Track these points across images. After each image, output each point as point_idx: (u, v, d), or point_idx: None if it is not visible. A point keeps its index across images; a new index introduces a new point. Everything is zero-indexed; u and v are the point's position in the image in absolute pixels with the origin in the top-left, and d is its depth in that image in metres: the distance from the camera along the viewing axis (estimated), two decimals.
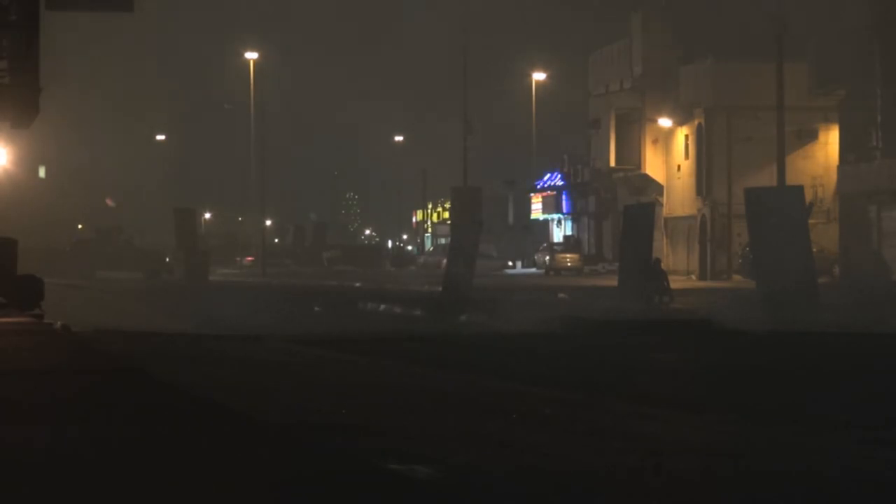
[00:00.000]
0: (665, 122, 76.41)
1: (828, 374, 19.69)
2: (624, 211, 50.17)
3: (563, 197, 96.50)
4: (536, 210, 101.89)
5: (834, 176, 67.64)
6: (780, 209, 39.26)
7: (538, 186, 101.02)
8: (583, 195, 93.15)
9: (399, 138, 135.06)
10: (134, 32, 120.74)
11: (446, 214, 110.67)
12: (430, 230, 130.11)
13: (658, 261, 46.85)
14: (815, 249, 43.62)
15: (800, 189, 42.04)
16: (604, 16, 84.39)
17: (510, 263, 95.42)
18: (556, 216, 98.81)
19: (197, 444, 7.29)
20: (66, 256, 68.37)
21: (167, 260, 70.63)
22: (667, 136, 77.37)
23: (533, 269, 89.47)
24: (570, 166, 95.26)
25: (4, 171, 58.48)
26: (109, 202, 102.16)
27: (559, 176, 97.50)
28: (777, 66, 49.03)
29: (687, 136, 75.22)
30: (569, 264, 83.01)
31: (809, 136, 69.36)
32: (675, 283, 50.79)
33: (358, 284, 60.41)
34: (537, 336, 27.65)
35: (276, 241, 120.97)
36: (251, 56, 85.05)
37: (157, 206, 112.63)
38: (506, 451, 10.21)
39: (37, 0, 22.97)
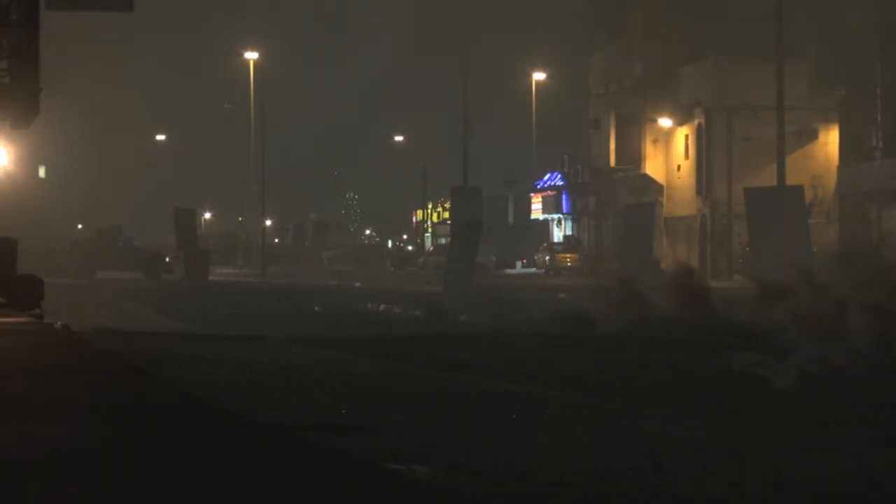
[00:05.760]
0: (665, 122, 76.41)
1: (827, 374, 19.67)
2: (624, 211, 50.18)
3: (563, 197, 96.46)
4: (536, 210, 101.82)
5: (834, 176, 67.64)
6: (780, 209, 39.31)
7: (538, 186, 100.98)
8: (583, 195, 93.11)
9: (399, 138, 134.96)
10: (134, 32, 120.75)
11: (446, 214, 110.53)
12: (430, 230, 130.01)
13: (656, 261, 46.87)
14: (814, 249, 43.62)
15: (800, 189, 42.10)
16: (604, 15, 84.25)
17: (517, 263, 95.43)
18: (556, 216, 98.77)
19: (197, 445, 7.29)
20: (66, 256, 68.29)
21: (167, 260, 70.56)
22: (667, 136, 77.36)
23: (533, 269, 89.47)
24: (570, 166, 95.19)
25: (4, 171, 58.35)
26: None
27: (559, 176, 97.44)
28: (777, 66, 49.02)
29: (687, 136, 75.22)
30: (569, 264, 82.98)
31: (809, 136, 69.32)
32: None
33: (358, 284, 60.40)
34: (537, 336, 27.61)
35: (277, 241, 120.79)
36: (251, 56, 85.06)
37: (157, 206, 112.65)
38: (506, 450, 10.21)
39: (37, 0, 22.97)
